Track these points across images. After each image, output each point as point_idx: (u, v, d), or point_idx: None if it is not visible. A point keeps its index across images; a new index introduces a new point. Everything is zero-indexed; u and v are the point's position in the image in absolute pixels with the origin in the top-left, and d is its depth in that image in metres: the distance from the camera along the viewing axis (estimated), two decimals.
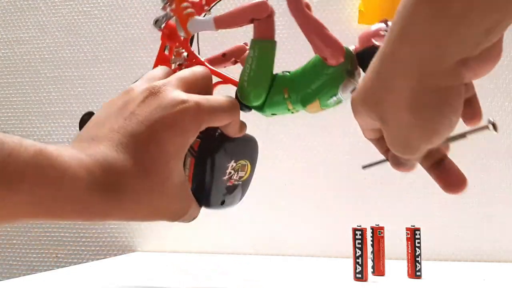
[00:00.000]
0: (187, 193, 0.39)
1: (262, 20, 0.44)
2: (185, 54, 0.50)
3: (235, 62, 0.53)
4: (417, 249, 0.65)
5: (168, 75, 0.40)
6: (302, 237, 0.88)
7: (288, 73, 0.46)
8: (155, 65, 0.51)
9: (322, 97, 0.43)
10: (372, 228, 0.67)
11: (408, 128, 0.33)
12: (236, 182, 0.44)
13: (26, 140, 0.29)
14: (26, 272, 0.98)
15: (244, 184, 0.46)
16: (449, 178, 0.38)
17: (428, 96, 0.31)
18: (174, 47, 0.51)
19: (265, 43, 0.45)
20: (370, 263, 0.65)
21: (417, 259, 0.65)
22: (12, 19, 1.04)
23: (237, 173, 0.44)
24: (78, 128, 0.50)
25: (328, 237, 0.87)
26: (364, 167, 0.45)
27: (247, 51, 0.48)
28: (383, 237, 0.66)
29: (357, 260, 0.63)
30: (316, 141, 0.89)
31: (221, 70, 0.50)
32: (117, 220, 0.34)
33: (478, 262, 0.81)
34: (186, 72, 0.40)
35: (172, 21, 0.50)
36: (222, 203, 0.43)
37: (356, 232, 0.63)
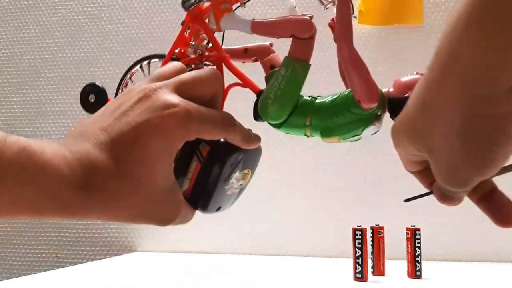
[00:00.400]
0: (176, 199, 0.38)
1: (302, 39, 0.42)
2: (205, 41, 0.48)
3: (255, 61, 0.51)
4: (417, 249, 0.65)
5: (177, 73, 0.40)
6: (302, 237, 0.88)
7: (314, 99, 0.44)
8: (174, 46, 0.49)
9: (344, 134, 0.43)
10: (372, 228, 0.67)
11: (458, 158, 0.30)
12: (235, 190, 0.43)
13: (10, 137, 0.29)
14: (26, 272, 0.98)
15: (241, 191, 0.45)
16: (502, 211, 0.35)
17: (479, 123, 0.29)
18: (197, 31, 0.48)
19: (299, 64, 0.43)
20: (370, 263, 0.65)
21: (417, 259, 0.65)
22: (13, 19, 1.04)
23: (239, 182, 0.43)
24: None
25: (328, 237, 0.87)
26: (407, 200, 0.43)
27: (272, 54, 0.47)
28: (383, 237, 0.66)
29: (357, 260, 0.63)
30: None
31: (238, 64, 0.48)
32: (100, 220, 0.34)
33: (478, 262, 0.81)
34: (189, 75, 0.39)
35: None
36: (218, 209, 0.43)
37: (356, 232, 0.63)
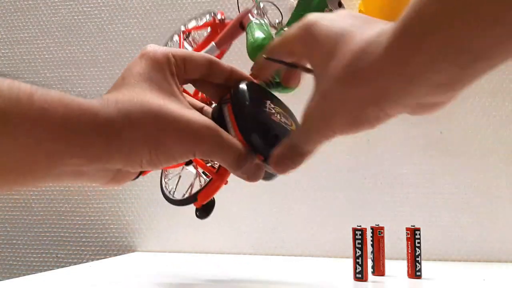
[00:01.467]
0: (194, 128, 0.37)
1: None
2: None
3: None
4: (417, 249, 0.65)
5: None
6: (302, 237, 0.88)
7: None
8: None
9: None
10: (372, 228, 0.67)
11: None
12: (281, 122, 0.42)
13: (41, 89, 0.37)
14: (26, 272, 0.98)
15: (288, 129, 0.43)
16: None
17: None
18: None
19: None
20: (370, 263, 0.65)
21: (417, 259, 0.65)
22: (13, 20, 1.04)
23: (279, 115, 0.42)
24: None
25: (328, 237, 0.87)
26: (267, 58, 0.43)
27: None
28: (383, 237, 0.66)
29: (357, 260, 0.63)
30: None
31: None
32: (120, 165, 0.37)
33: (478, 262, 0.81)
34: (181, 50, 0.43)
35: None
36: (276, 137, 0.40)
37: (356, 232, 0.63)
